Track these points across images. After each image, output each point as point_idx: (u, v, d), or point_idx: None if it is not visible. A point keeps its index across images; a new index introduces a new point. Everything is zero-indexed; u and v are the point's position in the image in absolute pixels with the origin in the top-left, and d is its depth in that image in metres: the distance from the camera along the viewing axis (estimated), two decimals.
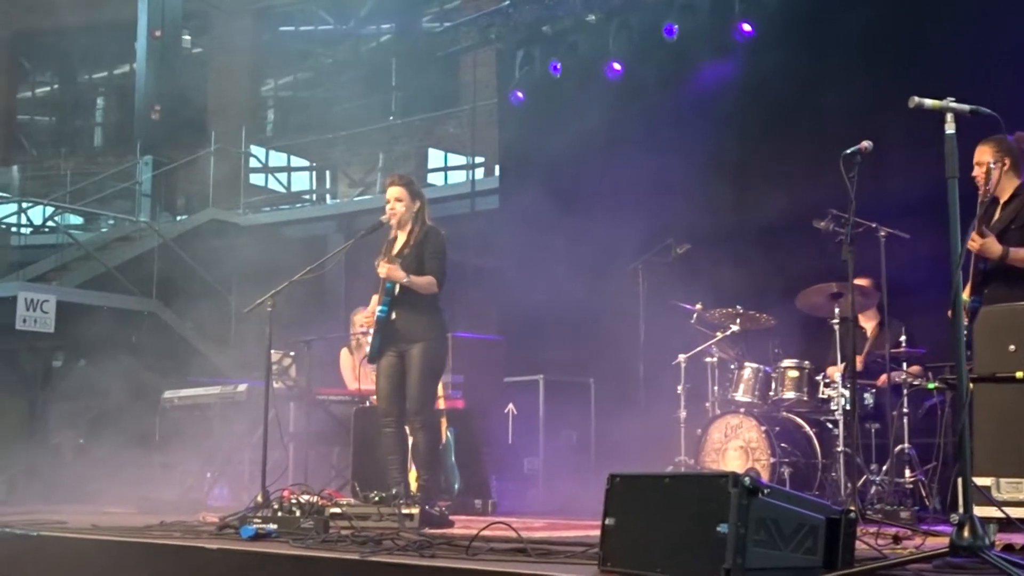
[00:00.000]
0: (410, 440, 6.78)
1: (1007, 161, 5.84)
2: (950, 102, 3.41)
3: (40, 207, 18.33)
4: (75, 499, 9.28)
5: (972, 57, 7.83)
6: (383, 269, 6.56)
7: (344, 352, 9.26)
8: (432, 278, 6.61)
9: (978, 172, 5.85)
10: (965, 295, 5.85)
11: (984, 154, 5.85)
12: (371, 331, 6.79)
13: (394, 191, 6.80)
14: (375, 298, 6.89)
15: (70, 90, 23.23)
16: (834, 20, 8.61)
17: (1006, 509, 3.99)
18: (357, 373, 9.09)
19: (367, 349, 8.90)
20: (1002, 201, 5.92)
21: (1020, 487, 4.06)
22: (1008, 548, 4.03)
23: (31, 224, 18.36)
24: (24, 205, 18.26)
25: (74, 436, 13.01)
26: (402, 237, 6.79)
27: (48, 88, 23.66)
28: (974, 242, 5.64)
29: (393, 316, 6.59)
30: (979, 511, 3.74)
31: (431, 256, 6.66)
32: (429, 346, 6.62)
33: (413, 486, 6.87)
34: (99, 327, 13.55)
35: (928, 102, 3.41)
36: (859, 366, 7.35)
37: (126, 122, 20.57)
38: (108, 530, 5.66)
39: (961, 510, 3.13)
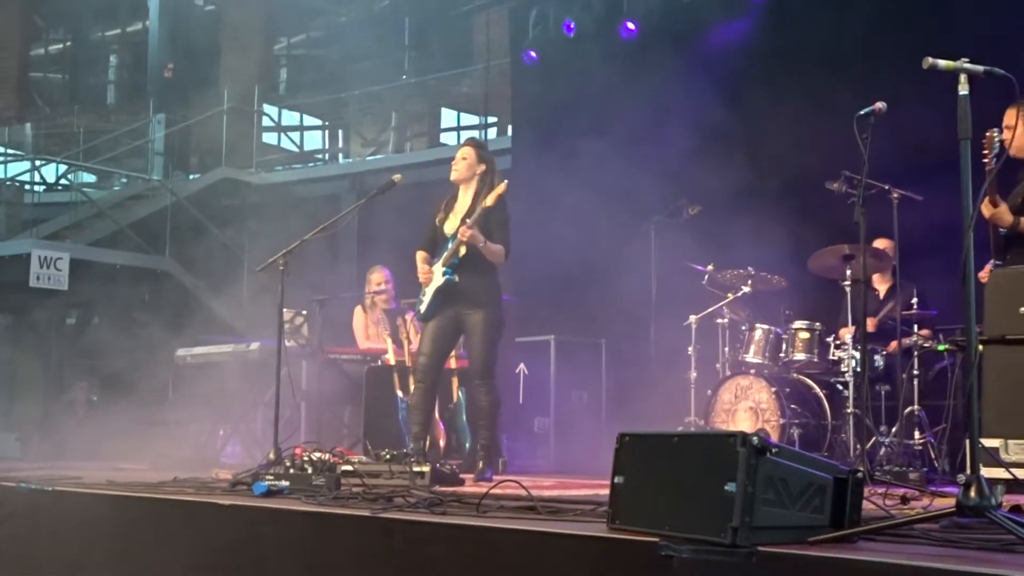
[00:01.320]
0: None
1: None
2: (964, 63, 3.39)
3: (53, 164, 18.36)
4: (89, 456, 9.35)
5: (988, 18, 7.78)
6: (466, 232, 6.55)
7: (358, 310, 9.29)
8: (502, 247, 6.66)
9: (1007, 135, 5.80)
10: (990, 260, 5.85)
11: (1011, 116, 5.79)
12: (424, 290, 6.81)
13: (463, 151, 6.89)
14: (421, 253, 6.89)
15: (83, 47, 23.21)
16: None
17: (1014, 470, 4.01)
18: (368, 332, 9.13)
19: (381, 308, 8.99)
20: None
21: None
22: (1016, 509, 4.04)
23: (44, 182, 18.40)
24: (37, 162, 18.29)
25: (88, 393, 13.11)
26: (465, 199, 6.81)
27: (61, 45, 23.65)
28: (986, 209, 5.63)
29: (457, 279, 6.63)
30: (987, 472, 3.76)
31: (498, 226, 6.69)
32: (492, 312, 6.69)
33: (441, 443, 7.05)
34: (112, 285, 13.62)
35: (942, 63, 3.39)
36: (871, 328, 7.36)
37: (139, 80, 20.58)
38: (122, 486, 5.71)
39: (968, 471, 3.14)
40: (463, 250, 6.62)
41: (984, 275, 5.80)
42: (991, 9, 7.88)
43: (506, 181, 6.76)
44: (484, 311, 6.66)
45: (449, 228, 6.74)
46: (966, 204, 3.31)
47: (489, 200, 6.59)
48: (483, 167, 6.82)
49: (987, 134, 5.39)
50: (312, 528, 4.21)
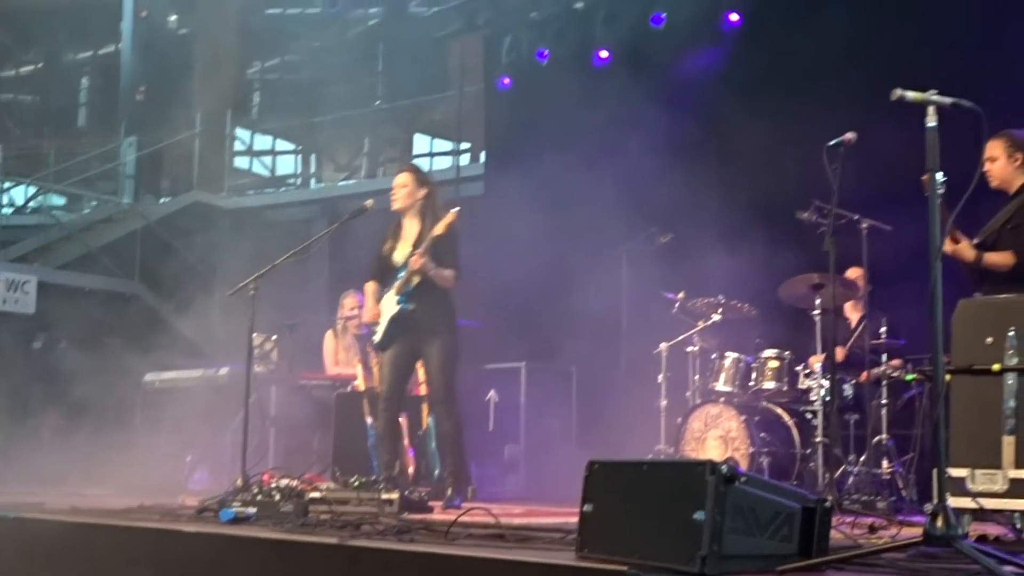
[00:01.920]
0: (400, 426, 6.87)
1: (1019, 156, 5.80)
2: (932, 95, 3.43)
3: (23, 187, 18.24)
4: (54, 481, 9.24)
5: (956, 51, 7.86)
6: (417, 261, 6.55)
7: (328, 335, 9.25)
8: (452, 272, 6.66)
9: (989, 167, 5.85)
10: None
11: (995, 148, 5.81)
12: (377, 322, 6.80)
13: (400, 178, 6.92)
14: (371, 285, 6.89)
15: (55, 69, 23.09)
16: (820, 10, 8.61)
17: (980, 500, 4.03)
18: (337, 358, 9.10)
19: (353, 333, 8.96)
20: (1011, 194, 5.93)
21: (994, 478, 4.09)
22: (982, 539, 4.06)
23: (13, 204, 18.28)
24: (6, 185, 18.15)
25: (54, 418, 12.96)
26: (412, 225, 6.82)
27: (32, 67, 23.52)
28: (947, 246, 5.67)
29: (411, 307, 6.62)
30: (954, 501, 3.78)
31: (447, 251, 6.70)
32: (449, 339, 6.74)
33: (410, 470, 7.05)
34: (81, 309, 13.50)
35: (910, 94, 3.42)
36: (841, 357, 7.39)
37: (110, 103, 20.46)
38: (87, 512, 5.65)
39: (936, 500, 3.15)
40: (415, 279, 6.63)
41: None
42: (960, 43, 7.96)
43: (457, 208, 6.78)
44: (440, 338, 6.68)
45: (399, 256, 6.75)
46: (934, 235, 3.34)
47: (439, 229, 6.60)
48: (424, 191, 6.83)
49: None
50: (279, 556, 4.18)
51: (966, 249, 5.64)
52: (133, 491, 7.69)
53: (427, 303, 6.68)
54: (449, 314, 6.82)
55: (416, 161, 18.33)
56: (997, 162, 5.84)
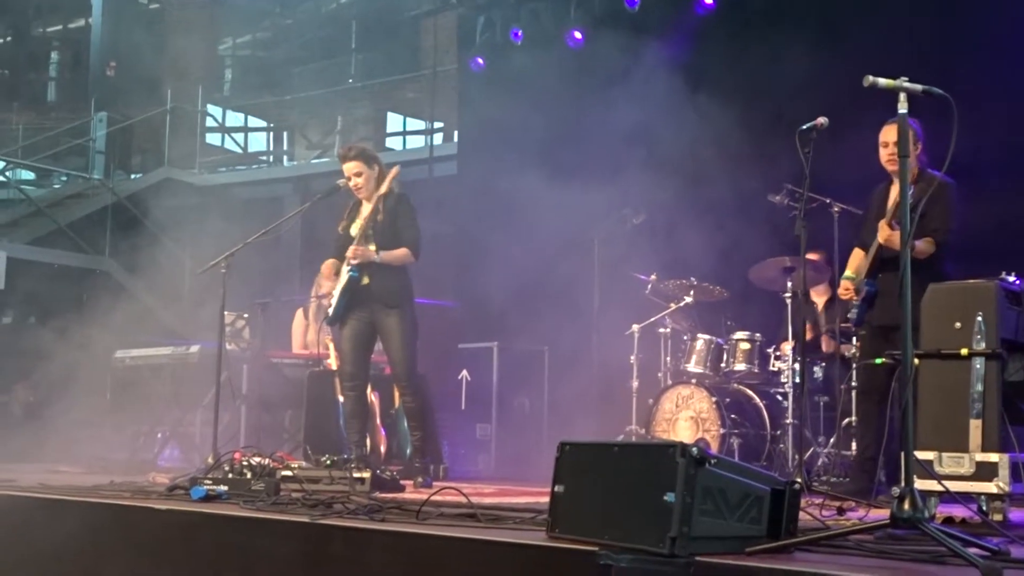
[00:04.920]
0: (370, 404, 6.88)
1: (919, 146, 5.91)
2: (904, 82, 3.45)
3: None
4: (24, 458, 9.20)
5: (927, 37, 7.91)
6: (355, 255, 6.56)
7: (299, 314, 9.23)
8: (407, 250, 6.66)
9: (885, 153, 5.92)
10: (853, 273, 6.00)
11: (892, 134, 5.86)
12: (333, 292, 6.80)
13: (350, 166, 6.82)
14: (329, 262, 6.89)
15: (23, 43, 22.83)
16: None
17: (947, 483, 4.08)
18: (305, 340, 9.08)
19: (325, 313, 8.94)
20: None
21: (961, 461, 4.14)
22: (948, 521, 4.11)
23: None
24: None
25: (24, 394, 12.90)
26: (368, 204, 6.79)
27: (1, 41, 23.25)
28: (882, 232, 5.73)
29: (365, 280, 6.60)
30: (921, 484, 3.82)
31: (406, 226, 6.70)
32: (406, 312, 6.72)
33: (382, 449, 7.06)
34: (50, 285, 13.42)
35: (882, 81, 3.44)
36: (810, 338, 7.46)
37: (80, 77, 20.28)
38: (57, 489, 5.63)
39: (903, 483, 3.19)
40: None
41: (842, 290, 5.97)
42: (931, 28, 8.01)
43: (397, 166, 6.77)
44: (398, 312, 6.67)
45: (355, 231, 6.73)
46: (904, 220, 3.37)
47: (383, 187, 6.60)
48: (376, 169, 6.82)
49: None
50: (250, 534, 4.19)
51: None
52: (104, 468, 7.68)
53: (381, 276, 6.66)
54: (406, 289, 6.80)
55: (387, 140, 18.32)
56: (889, 147, 5.93)
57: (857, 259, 6.18)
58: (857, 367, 6.54)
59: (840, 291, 6.18)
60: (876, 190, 6.18)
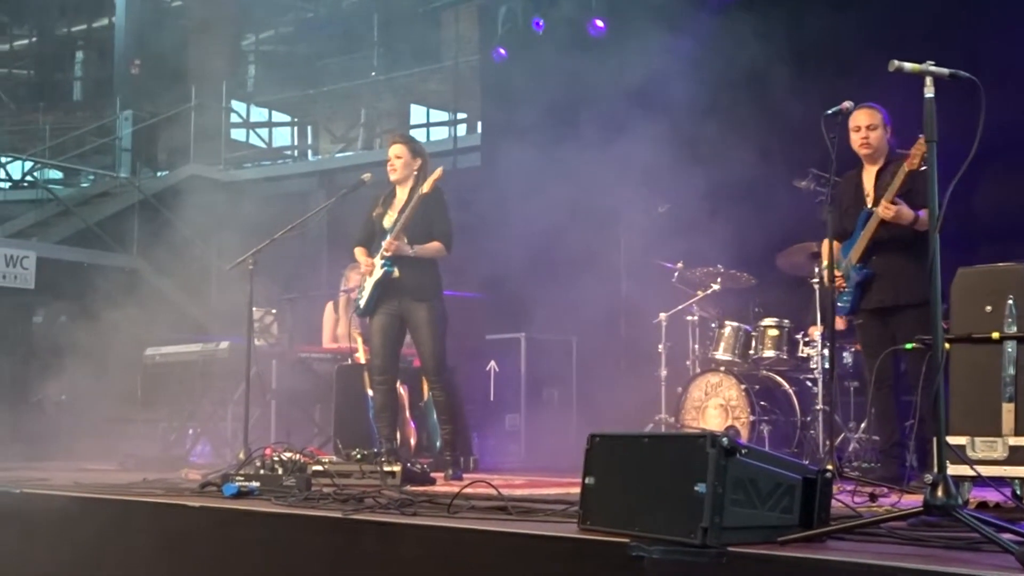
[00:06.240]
0: (401, 398, 6.89)
1: (889, 130, 6.04)
2: (930, 66, 3.42)
3: (19, 162, 18.19)
4: (57, 456, 9.29)
5: (954, 21, 7.84)
6: (389, 248, 6.58)
7: (329, 307, 9.26)
8: (440, 244, 6.68)
9: (869, 135, 5.95)
10: (850, 259, 5.95)
11: (876, 117, 6.00)
12: (364, 284, 6.81)
13: (395, 149, 6.91)
14: (360, 249, 6.90)
15: (49, 43, 23.01)
16: None
17: (980, 468, 4.05)
18: (335, 333, 9.10)
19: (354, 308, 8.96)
20: (877, 168, 6.01)
21: (994, 446, 4.11)
22: (982, 506, 4.09)
23: (10, 179, 18.25)
24: (3, 160, 18.11)
25: (56, 393, 13.00)
26: (403, 193, 6.83)
27: (26, 41, 23.43)
28: (888, 210, 5.71)
29: (396, 273, 6.62)
30: (953, 470, 3.80)
31: (438, 220, 6.72)
32: (435, 306, 6.73)
33: (412, 442, 7.08)
34: (80, 283, 13.50)
35: (908, 65, 3.41)
36: (841, 324, 7.41)
37: (105, 76, 20.41)
38: (90, 487, 5.68)
39: (936, 470, 3.17)
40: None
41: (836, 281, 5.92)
42: (959, 12, 7.94)
43: (441, 168, 6.79)
44: (427, 305, 6.68)
45: (388, 222, 6.75)
46: (932, 205, 3.34)
47: (426, 187, 6.61)
48: (419, 161, 6.87)
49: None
50: (282, 530, 4.20)
51: (906, 210, 5.70)
52: (136, 465, 7.73)
53: (412, 269, 6.68)
54: (436, 282, 6.82)
55: (411, 132, 18.33)
56: (877, 131, 5.98)
57: (837, 251, 6.11)
58: (866, 355, 6.32)
59: (834, 283, 6.08)
60: (844, 177, 6.16)
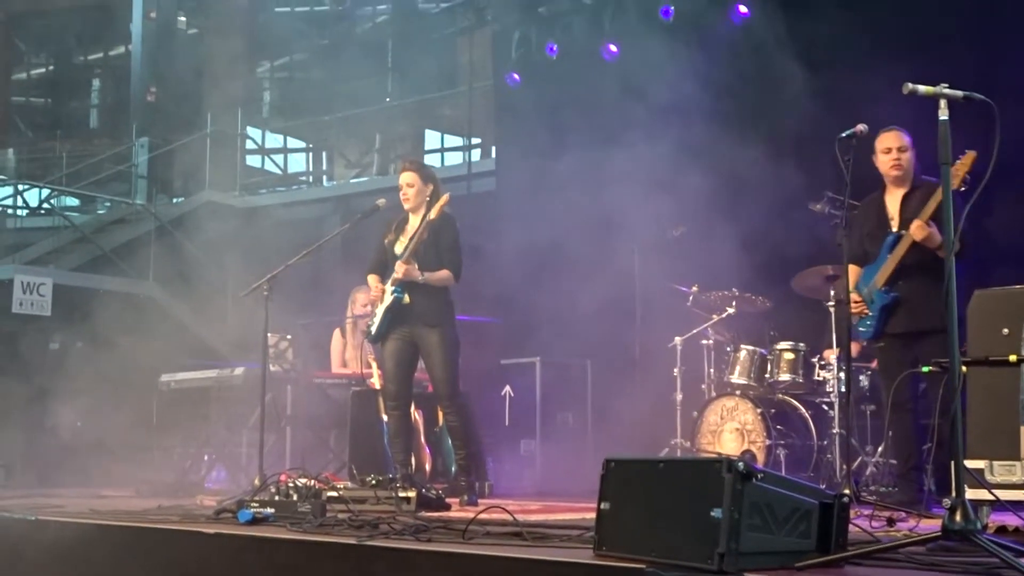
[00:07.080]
0: (414, 422, 6.89)
1: (914, 153, 6.00)
2: (944, 88, 3.42)
3: (36, 189, 18.29)
4: (73, 482, 9.29)
5: (968, 44, 7.83)
6: (400, 270, 6.60)
7: (336, 333, 9.26)
8: (449, 272, 6.70)
9: (901, 156, 5.92)
10: (875, 283, 5.92)
11: (903, 139, 5.99)
12: (376, 310, 6.82)
13: (406, 176, 6.91)
14: (373, 277, 6.93)
15: (65, 72, 23.17)
16: (831, 2, 8.60)
17: (998, 492, 4.02)
18: (344, 357, 9.10)
19: (363, 331, 8.97)
20: (903, 192, 5.98)
21: (1012, 470, 4.08)
22: (1001, 530, 4.05)
23: (27, 206, 18.33)
24: (20, 187, 18.22)
25: (71, 419, 13.02)
26: (415, 219, 6.84)
27: (43, 70, 23.61)
28: (922, 230, 5.68)
29: (407, 299, 6.63)
30: (972, 494, 3.77)
31: (448, 248, 6.74)
32: (447, 331, 6.73)
33: (427, 467, 7.10)
34: (96, 310, 13.53)
35: (922, 88, 3.41)
36: (857, 348, 7.38)
37: (122, 104, 20.54)
38: (106, 514, 5.68)
39: (954, 494, 3.15)
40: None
41: (855, 308, 5.88)
42: (971, 35, 7.93)
43: (447, 194, 6.79)
44: (439, 331, 6.69)
45: (399, 248, 6.77)
46: (947, 228, 3.33)
47: (433, 213, 6.62)
48: (430, 187, 6.88)
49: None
50: (298, 556, 4.19)
51: (937, 234, 5.67)
52: (151, 492, 7.73)
53: (423, 295, 6.70)
54: (447, 308, 6.83)
55: (425, 157, 18.39)
56: (907, 153, 5.96)
57: (855, 275, 6.08)
58: (884, 379, 6.27)
59: (853, 309, 6.04)
60: (866, 200, 6.14)
